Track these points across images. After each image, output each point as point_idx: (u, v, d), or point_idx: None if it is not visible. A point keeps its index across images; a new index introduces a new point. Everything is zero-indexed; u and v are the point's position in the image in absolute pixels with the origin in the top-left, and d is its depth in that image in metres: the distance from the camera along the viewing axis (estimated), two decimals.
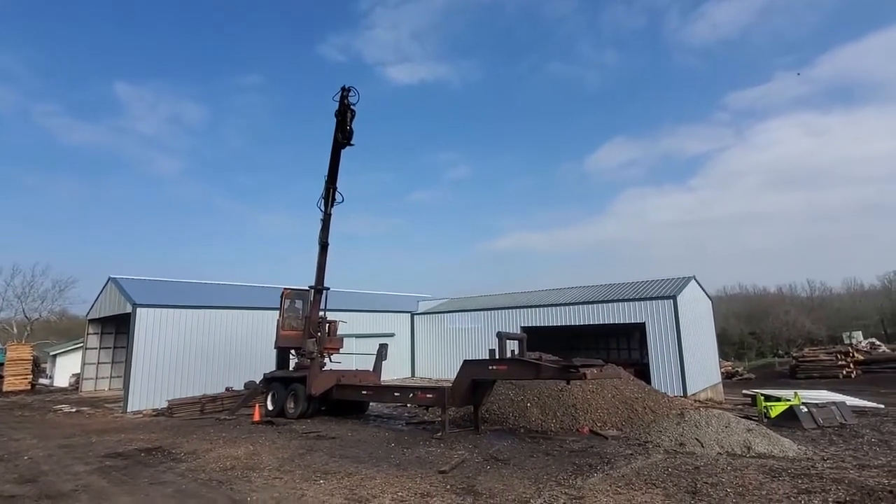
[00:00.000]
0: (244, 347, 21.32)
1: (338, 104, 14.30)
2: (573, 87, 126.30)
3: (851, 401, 15.03)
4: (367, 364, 16.13)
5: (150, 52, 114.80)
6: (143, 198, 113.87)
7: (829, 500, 6.20)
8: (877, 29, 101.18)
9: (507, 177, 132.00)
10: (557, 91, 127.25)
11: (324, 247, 15.35)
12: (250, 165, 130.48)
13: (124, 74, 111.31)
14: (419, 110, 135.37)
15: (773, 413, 12.04)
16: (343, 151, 14.82)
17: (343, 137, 14.32)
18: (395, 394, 13.58)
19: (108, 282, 22.89)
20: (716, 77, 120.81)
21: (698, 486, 6.90)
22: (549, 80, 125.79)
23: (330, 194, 15.11)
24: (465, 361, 11.79)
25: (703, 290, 24.60)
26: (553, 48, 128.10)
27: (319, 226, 15.30)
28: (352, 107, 14.18)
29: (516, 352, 11.39)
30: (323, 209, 15.21)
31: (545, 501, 6.42)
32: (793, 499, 6.28)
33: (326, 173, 15.06)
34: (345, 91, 14.14)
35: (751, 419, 11.09)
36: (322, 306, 15.55)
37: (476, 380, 11.48)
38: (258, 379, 16.80)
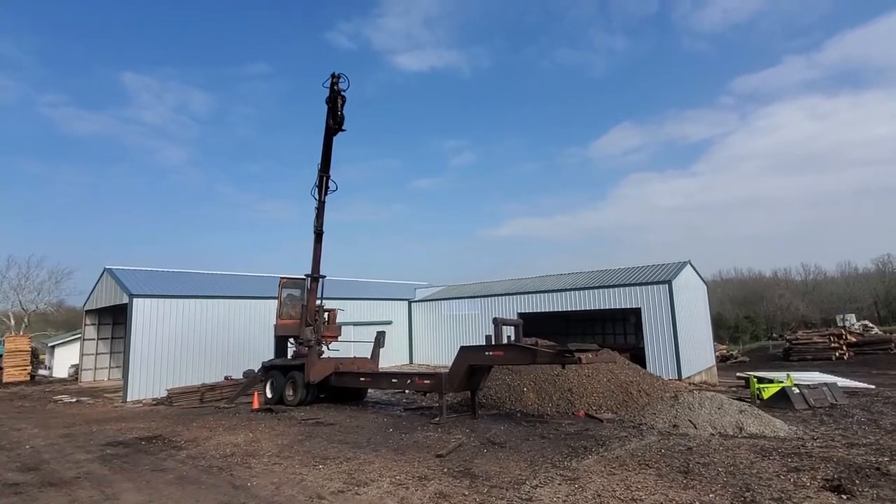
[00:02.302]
0: (242, 336, 21.41)
1: (328, 91, 14.20)
2: (581, 73, 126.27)
3: (843, 382, 15.26)
4: (365, 352, 16.24)
5: (157, 40, 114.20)
6: (145, 188, 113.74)
7: (818, 477, 6.35)
8: (886, 13, 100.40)
9: (511, 164, 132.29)
10: (565, 77, 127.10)
11: (318, 235, 15.34)
12: (255, 154, 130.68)
13: (131, 63, 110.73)
14: (427, 97, 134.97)
15: (766, 395, 12.22)
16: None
17: (335, 123, 14.23)
18: (393, 380, 13.71)
19: (103, 273, 22.85)
20: (723, 62, 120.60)
21: (690, 465, 7.03)
22: (557, 67, 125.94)
23: (323, 182, 15.07)
24: (462, 347, 11.89)
25: (699, 275, 24.75)
26: (562, 34, 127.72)
27: (314, 214, 15.30)
28: (342, 93, 14.09)
29: (513, 337, 11.49)
30: (317, 197, 15.18)
31: (540, 482, 6.55)
32: (782, 477, 6.42)
33: (320, 161, 15.01)
34: (334, 77, 14.03)
35: (744, 401, 11.25)
36: (319, 294, 15.60)
37: (473, 365, 11.59)
38: (257, 367, 16.90)
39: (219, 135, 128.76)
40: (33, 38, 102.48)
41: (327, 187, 15.13)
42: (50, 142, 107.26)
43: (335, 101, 14.05)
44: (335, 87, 14.02)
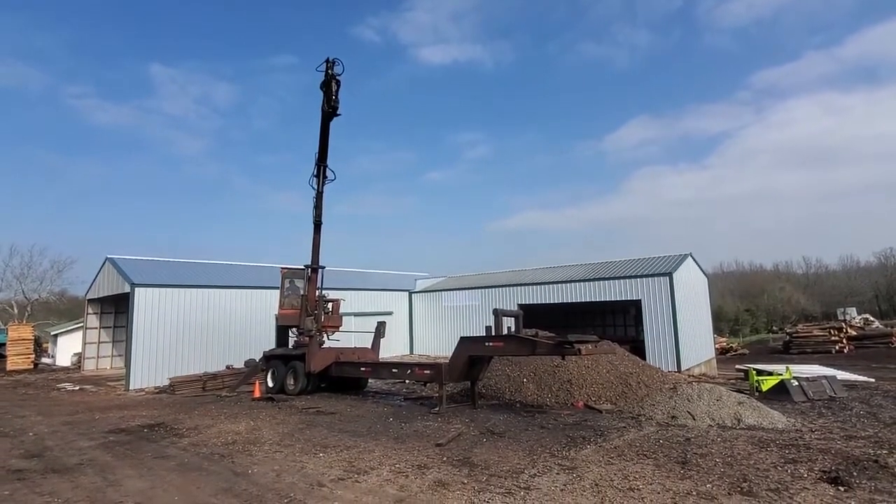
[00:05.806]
0: (244, 326, 21.49)
1: (323, 75, 14.15)
2: (603, 67, 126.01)
3: (842, 375, 15.28)
4: (366, 342, 16.29)
5: (186, 31, 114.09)
6: (159, 178, 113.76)
7: (815, 469, 6.38)
8: None
9: (526, 156, 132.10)
10: (586, 71, 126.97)
11: (317, 225, 15.35)
12: (273, 147, 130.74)
13: (159, 54, 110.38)
14: (446, 90, 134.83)
15: (765, 387, 12.25)
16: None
17: (329, 107, 14.21)
18: (394, 370, 13.77)
19: (105, 262, 22.89)
20: (744, 57, 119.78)
21: (688, 456, 7.07)
22: (580, 61, 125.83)
23: (321, 172, 15.04)
24: (462, 338, 11.92)
25: (700, 267, 24.72)
26: (587, 29, 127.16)
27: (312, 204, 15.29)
28: (337, 77, 14.06)
29: (513, 328, 11.51)
30: (315, 187, 15.16)
31: (539, 472, 6.59)
32: (780, 468, 6.45)
33: (317, 151, 14.96)
34: (329, 62, 14.02)
35: (742, 393, 11.29)
36: (319, 285, 15.62)
37: (473, 356, 11.62)
38: (258, 357, 16.98)
39: (238, 127, 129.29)
40: (64, 30, 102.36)
41: (325, 177, 15.12)
42: (68, 132, 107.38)
43: (329, 85, 14.04)
44: (329, 72, 14.00)
